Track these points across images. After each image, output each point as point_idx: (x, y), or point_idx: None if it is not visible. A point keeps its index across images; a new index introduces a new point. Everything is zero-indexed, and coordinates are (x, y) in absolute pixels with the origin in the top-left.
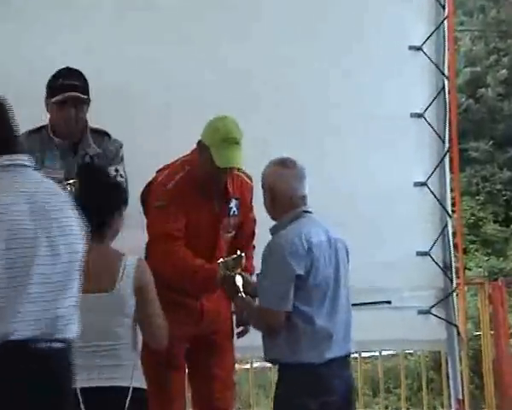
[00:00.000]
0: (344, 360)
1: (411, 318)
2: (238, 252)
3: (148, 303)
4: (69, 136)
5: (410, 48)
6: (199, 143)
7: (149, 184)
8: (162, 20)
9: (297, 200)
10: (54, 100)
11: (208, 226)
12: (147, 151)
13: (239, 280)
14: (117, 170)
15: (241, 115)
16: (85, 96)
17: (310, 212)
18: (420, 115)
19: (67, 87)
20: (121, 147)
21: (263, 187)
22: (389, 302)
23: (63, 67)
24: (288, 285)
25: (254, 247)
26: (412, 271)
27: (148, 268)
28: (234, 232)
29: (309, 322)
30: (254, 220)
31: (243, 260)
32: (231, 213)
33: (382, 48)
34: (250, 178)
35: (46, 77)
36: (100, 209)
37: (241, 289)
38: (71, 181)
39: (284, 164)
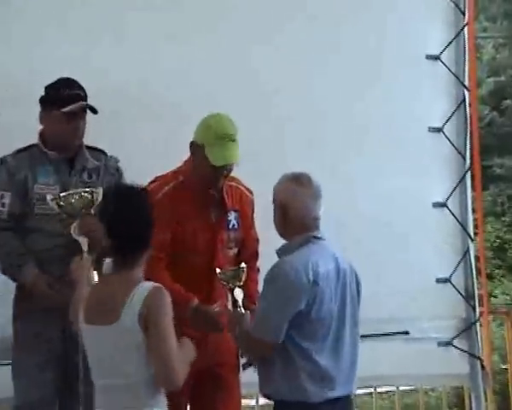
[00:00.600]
0: (346, 401)
1: (431, 350)
2: (242, 264)
3: (158, 339)
4: (67, 149)
5: (428, 57)
6: (191, 144)
7: None
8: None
9: (310, 221)
10: (65, 110)
11: (205, 239)
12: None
13: (238, 293)
14: None
15: (256, 126)
16: (91, 107)
17: (320, 238)
18: (439, 130)
19: (76, 97)
20: (118, 162)
21: (274, 202)
22: (407, 333)
23: (60, 77)
24: (284, 319)
25: (259, 270)
26: (432, 299)
27: (164, 298)
28: (236, 249)
29: (309, 359)
30: (257, 240)
31: (244, 273)
32: (230, 225)
33: (397, 57)
34: (251, 192)
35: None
36: (130, 235)
37: (240, 304)
38: (88, 190)
39: (299, 180)
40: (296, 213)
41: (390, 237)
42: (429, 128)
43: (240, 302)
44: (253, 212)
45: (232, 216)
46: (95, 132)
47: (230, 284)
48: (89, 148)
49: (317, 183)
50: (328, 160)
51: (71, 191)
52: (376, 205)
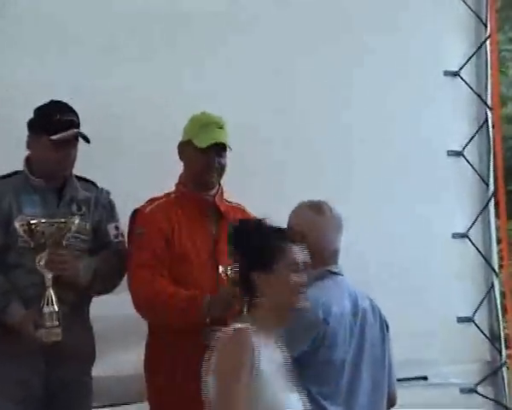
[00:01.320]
0: None
1: (452, 397)
2: None
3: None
4: (55, 178)
5: (446, 74)
6: (178, 147)
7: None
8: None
9: (329, 254)
10: (55, 138)
11: (206, 251)
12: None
13: None
14: (117, 227)
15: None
16: (84, 134)
17: (338, 273)
18: (458, 154)
19: (68, 124)
20: (110, 195)
21: (290, 230)
22: (425, 378)
23: (49, 101)
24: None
25: None
26: (453, 340)
27: (228, 348)
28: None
29: (317, 404)
30: None
31: None
32: None
33: (413, 74)
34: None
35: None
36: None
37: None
38: (62, 220)
39: (320, 210)
40: (316, 244)
41: (406, 272)
42: (448, 152)
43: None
44: None
45: None
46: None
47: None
48: (78, 178)
49: (339, 213)
50: (341, 186)
51: (42, 219)
52: (391, 235)
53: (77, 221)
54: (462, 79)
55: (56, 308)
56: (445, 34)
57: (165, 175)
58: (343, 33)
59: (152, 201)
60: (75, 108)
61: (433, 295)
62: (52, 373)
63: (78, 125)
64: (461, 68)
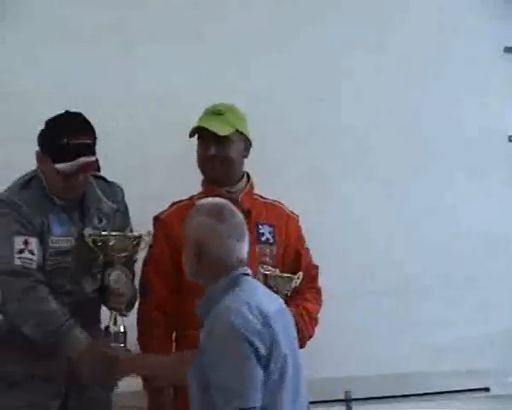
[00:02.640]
0: None
1: None
2: (299, 273)
3: None
4: (72, 198)
5: (507, 50)
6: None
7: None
8: None
9: (233, 262)
10: (60, 168)
11: None
12: None
13: None
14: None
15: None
16: (96, 157)
17: (249, 274)
18: None
19: (76, 151)
20: (122, 190)
21: (186, 236)
22: (487, 390)
23: (63, 112)
24: (257, 371)
25: (319, 291)
26: None
27: None
28: (277, 269)
29: None
30: (315, 266)
31: (298, 281)
32: (263, 238)
33: (470, 51)
34: (296, 215)
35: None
36: None
37: None
38: (135, 234)
39: (221, 215)
40: (215, 253)
41: (465, 274)
42: (510, 137)
43: None
44: (301, 233)
45: (265, 229)
46: None
47: (276, 289)
48: (94, 177)
49: (241, 218)
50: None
51: (113, 233)
52: (445, 233)
53: (148, 237)
54: None
55: (122, 329)
56: (506, 9)
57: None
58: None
59: (172, 204)
60: None
61: (493, 302)
62: (71, 395)
63: (90, 149)
64: None
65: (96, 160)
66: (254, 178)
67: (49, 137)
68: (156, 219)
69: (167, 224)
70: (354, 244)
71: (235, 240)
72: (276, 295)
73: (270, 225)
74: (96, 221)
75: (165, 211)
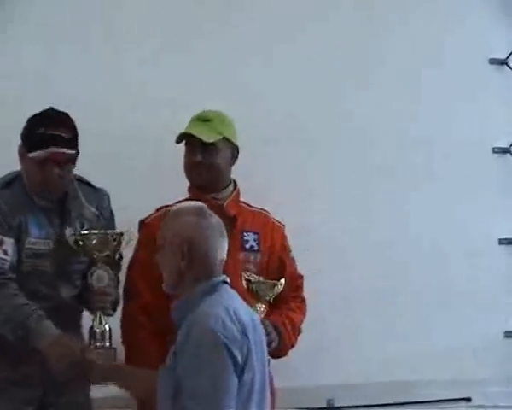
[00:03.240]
0: None
1: None
2: (282, 280)
3: None
4: (50, 196)
5: (492, 62)
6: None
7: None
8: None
9: (217, 264)
10: (32, 155)
11: None
12: None
13: (260, 310)
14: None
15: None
16: (73, 152)
17: (227, 282)
18: (505, 151)
19: (50, 140)
20: (108, 197)
21: (165, 240)
22: (469, 400)
23: (46, 108)
24: (234, 380)
25: (304, 301)
26: (499, 358)
27: None
28: (260, 277)
29: None
30: (299, 276)
31: (281, 287)
32: (248, 246)
33: (456, 63)
34: (282, 224)
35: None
36: None
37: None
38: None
39: (205, 214)
40: (204, 254)
41: (447, 282)
42: (494, 149)
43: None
44: (286, 243)
45: (250, 237)
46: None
47: (258, 295)
48: (77, 179)
49: (217, 217)
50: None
51: (94, 231)
52: (431, 242)
53: (130, 235)
54: (509, 67)
55: (107, 327)
56: (490, 19)
57: None
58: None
59: (159, 209)
60: None
61: (477, 308)
62: (49, 399)
63: (66, 142)
64: (509, 56)
65: (73, 154)
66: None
67: (28, 128)
68: (142, 222)
69: (153, 227)
70: (346, 250)
71: (219, 236)
72: (251, 308)
73: (255, 233)
74: (77, 226)
75: (151, 215)
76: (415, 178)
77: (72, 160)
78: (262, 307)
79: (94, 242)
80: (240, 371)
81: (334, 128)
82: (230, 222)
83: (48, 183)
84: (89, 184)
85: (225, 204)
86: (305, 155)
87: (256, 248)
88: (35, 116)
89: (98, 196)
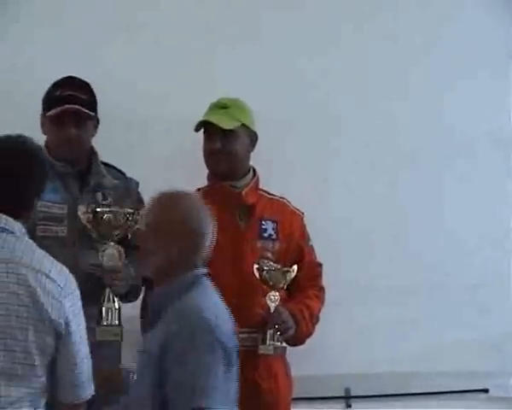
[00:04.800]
0: None
1: None
2: (295, 267)
3: None
4: (72, 161)
5: None
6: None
7: None
8: None
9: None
10: (48, 114)
11: (228, 248)
12: None
13: (273, 299)
14: None
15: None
16: (89, 112)
17: (207, 275)
18: None
19: (66, 99)
20: (138, 186)
21: (164, 224)
22: (486, 391)
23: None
24: (223, 372)
25: (322, 289)
26: None
27: None
28: (279, 264)
29: None
30: (318, 264)
31: (293, 274)
32: (266, 234)
33: (473, 55)
34: (301, 212)
35: None
36: None
37: (272, 309)
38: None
39: (191, 198)
40: (196, 243)
41: (467, 274)
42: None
43: (272, 309)
44: (304, 231)
45: (268, 225)
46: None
47: (272, 282)
48: (105, 164)
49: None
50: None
51: (106, 209)
52: (442, 235)
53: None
54: None
55: (117, 306)
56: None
57: None
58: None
59: None
60: None
61: (494, 302)
62: None
63: (83, 101)
64: None
65: (90, 114)
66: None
67: (47, 92)
68: None
69: None
70: (356, 243)
71: (211, 226)
72: (265, 297)
73: (274, 221)
74: (99, 197)
75: None
76: (436, 166)
77: (89, 118)
78: (276, 295)
79: (106, 220)
80: (228, 364)
81: (357, 114)
82: (249, 210)
83: (65, 141)
84: (119, 171)
85: (244, 192)
86: (325, 140)
87: (274, 236)
88: (55, 82)
89: (127, 179)
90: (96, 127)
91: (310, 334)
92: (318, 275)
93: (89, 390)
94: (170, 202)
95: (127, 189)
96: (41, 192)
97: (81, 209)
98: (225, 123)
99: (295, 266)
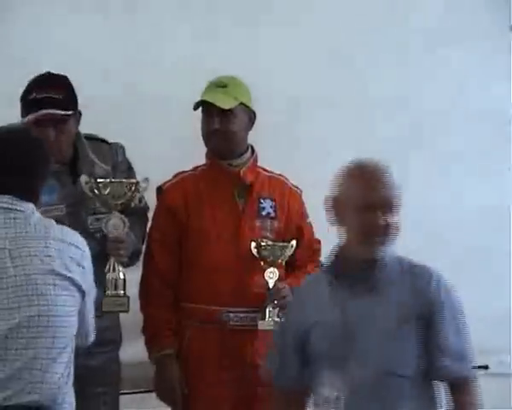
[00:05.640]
0: None
1: None
2: (293, 242)
3: None
4: (59, 159)
5: None
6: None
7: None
8: None
9: None
10: (26, 120)
11: (227, 226)
12: None
13: (272, 275)
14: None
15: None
16: (67, 112)
17: None
18: None
19: (40, 103)
20: (124, 151)
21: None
22: (486, 367)
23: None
24: None
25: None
26: None
27: None
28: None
29: None
30: (317, 241)
31: (291, 250)
32: (264, 213)
33: (474, 30)
34: (299, 189)
35: None
36: None
37: (271, 285)
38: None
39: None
40: None
41: (464, 252)
42: None
43: (271, 285)
44: (303, 209)
45: (266, 204)
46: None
47: (271, 258)
48: (89, 138)
49: None
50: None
51: (109, 180)
52: (445, 210)
53: (146, 184)
54: None
55: (122, 276)
56: None
57: None
58: None
59: (176, 175)
60: None
61: (493, 278)
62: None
63: (57, 103)
64: None
65: (66, 115)
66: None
67: (22, 94)
68: (159, 189)
69: (170, 194)
70: None
71: None
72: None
73: (272, 200)
74: (93, 185)
75: (168, 181)
76: (430, 147)
77: (67, 119)
78: (275, 271)
79: (109, 190)
80: None
81: (357, 95)
82: (247, 189)
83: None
84: (102, 140)
85: (242, 171)
86: (327, 120)
87: (273, 214)
88: (29, 83)
89: (112, 150)
90: (78, 120)
91: None
92: (317, 251)
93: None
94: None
95: (115, 166)
96: (45, 179)
97: (83, 179)
98: (224, 102)
99: (294, 242)
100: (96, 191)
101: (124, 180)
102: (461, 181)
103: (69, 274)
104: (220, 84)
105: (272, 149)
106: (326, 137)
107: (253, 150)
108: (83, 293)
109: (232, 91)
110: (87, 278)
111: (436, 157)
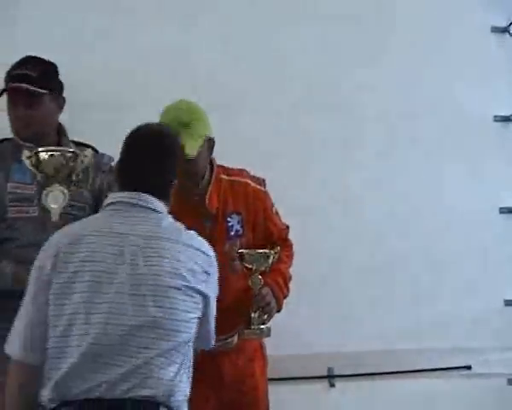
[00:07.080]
0: None
1: (499, 388)
2: (277, 248)
3: None
4: (35, 139)
5: (494, 30)
6: None
7: None
8: None
9: None
10: (2, 95)
11: None
12: None
13: (256, 281)
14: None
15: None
16: (41, 90)
17: None
18: (507, 119)
19: (15, 78)
20: (112, 162)
21: None
22: (469, 368)
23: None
24: None
25: (291, 246)
26: (499, 326)
27: None
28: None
29: None
30: (285, 227)
31: (276, 256)
32: (233, 232)
33: (455, 31)
34: (262, 183)
35: None
36: None
37: (257, 292)
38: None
39: None
40: None
41: (447, 251)
42: (496, 117)
43: (256, 290)
44: (267, 204)
45: (234, 220)
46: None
47: (254, 266)
48: (76, 143)
49: None
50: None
51: (48, 148)
52: (432, 211)
53: (89, 156)
54: (511, 35)
55: None
56: None
57: None
58: None
59: None
60: None
61: (477, 277)
62: None
63: (31, 79)
64: (510, 24)
65: (40, 92)
66: None
67: (6, 73)
68: None
69: None
70: (341, 222)
71: None
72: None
73: (238, 213)
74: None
75: None
76: (416, 146)
77: (42, 96)
78: (259, 278)
79: (49, 161)
80: None
81: (350, 97)
82: (213, 218)
83: (17, 120)
84: (91, 148)
85: (207, 199)
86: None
87: (241, 231)
88: (14, 64)
89: (94, 153)
90: (60, 106)
91: (286, 297)
92: (287, 235)
93: None
94: None
95: (97, 164)
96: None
97: (25, 154)
98: (192, 149)
99: (278, 248)
100: (34, 163)
101: (63, 148)
102: (448, 183)
103: (194, 280)
104: (183, 125)
105: None
106: None
107: (211, 164)
108: (207, 299)
109: (197, 130)
110: (211, 284)
111: (424, 158)
